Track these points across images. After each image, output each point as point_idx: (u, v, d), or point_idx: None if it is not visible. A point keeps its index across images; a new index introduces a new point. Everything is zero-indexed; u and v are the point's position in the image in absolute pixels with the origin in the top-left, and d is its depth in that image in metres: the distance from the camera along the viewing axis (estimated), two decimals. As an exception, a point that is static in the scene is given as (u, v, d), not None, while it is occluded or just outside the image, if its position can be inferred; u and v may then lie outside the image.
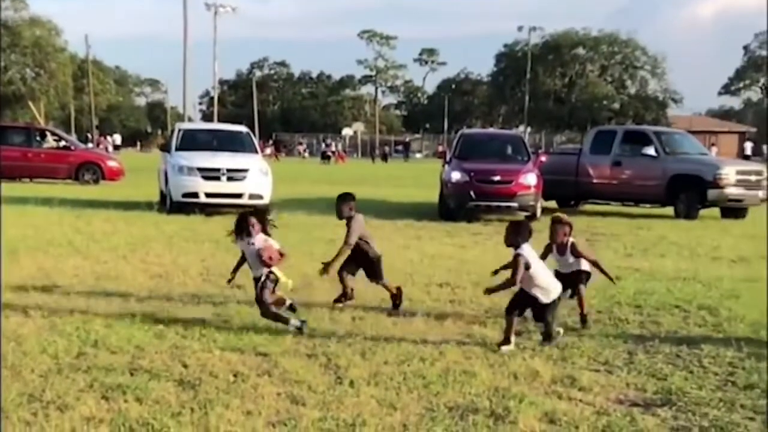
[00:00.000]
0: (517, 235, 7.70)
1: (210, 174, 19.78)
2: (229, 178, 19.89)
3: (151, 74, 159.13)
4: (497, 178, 20.14)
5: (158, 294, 9.68)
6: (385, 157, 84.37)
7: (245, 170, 20.07)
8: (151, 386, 6.15)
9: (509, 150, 22.69)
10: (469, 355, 7.31)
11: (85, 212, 19.04)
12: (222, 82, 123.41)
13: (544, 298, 7.62)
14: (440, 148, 73.30)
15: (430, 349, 7.41)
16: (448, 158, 22.24)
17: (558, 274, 8.36)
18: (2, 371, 6.42)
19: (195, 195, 19.65)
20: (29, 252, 12.51)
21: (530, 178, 20.23)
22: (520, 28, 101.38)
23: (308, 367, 6.80)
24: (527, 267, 7.53)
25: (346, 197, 9.42)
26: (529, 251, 7.66)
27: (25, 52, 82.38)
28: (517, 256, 7.57)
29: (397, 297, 9.31)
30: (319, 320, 8.50)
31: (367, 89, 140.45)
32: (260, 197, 19.76)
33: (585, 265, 8.69)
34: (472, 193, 19.91)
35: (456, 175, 20.45)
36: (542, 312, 7.67)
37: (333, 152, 78.30)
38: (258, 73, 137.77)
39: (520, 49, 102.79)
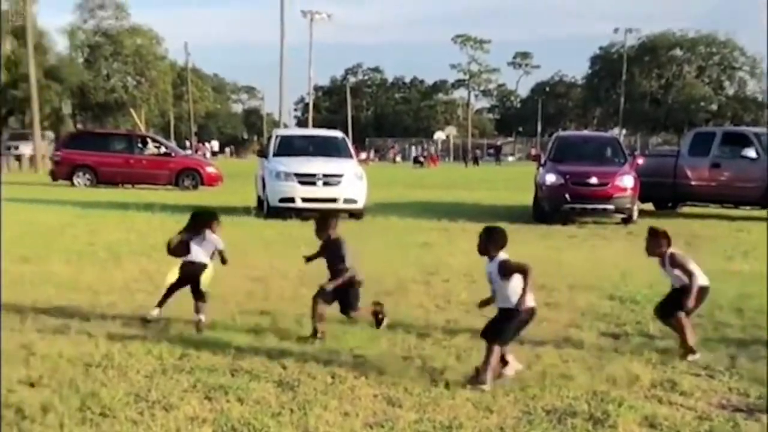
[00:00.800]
0: (488, 243, 6.80)
1: (306, 179, 20.03)
2: (325, 183, 20.09)
3: (247, 81, 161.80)
4: (593, 180, 19.94)
5: (257, 297, 9.85)
6: (476, 161, 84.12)
7: (340, 175, 20.24)
8: (251, 387, 6.27)
9: (605, 152, 22.46)
10: (565, 358, 7.26)
11: (185, 218, 19.31)
12: (317, 89, 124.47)
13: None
14: (533, 151, 72.74)
15: (527, 352, 7.38)
16: (542, 161, 22.10)
17: (674, 290, 7.71)
18: (108, 372, 6.61)
19: (291, 200, 19.92)
20: (132, 256, 12.84)
21: (627, 180, 19.98)
22: (615, 30, 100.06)
23: (404, 369, 6.84)
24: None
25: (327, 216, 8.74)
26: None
27: (126, 60, 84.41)
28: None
29: (379, 314, 8.46)
30: (413, 322, 8.54)
31: (459, 93, 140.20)
32: (354, 201, 19.93)
33: (700, 279, 7.58)
34: (567, 195, 19.75)
35: (551, 178, 20.31)
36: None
37: (425, 156, 78.35)
38: (352, 79, 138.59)
39: (616, 50, 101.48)
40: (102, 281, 10.68)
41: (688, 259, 7.63)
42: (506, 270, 6.59)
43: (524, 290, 6.49)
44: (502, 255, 6.71)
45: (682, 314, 7.45)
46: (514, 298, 6.50)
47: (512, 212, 22.48)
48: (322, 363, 6.96)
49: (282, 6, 62.80)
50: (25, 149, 55.54)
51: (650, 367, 7.04)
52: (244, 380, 6.44)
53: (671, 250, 7.68)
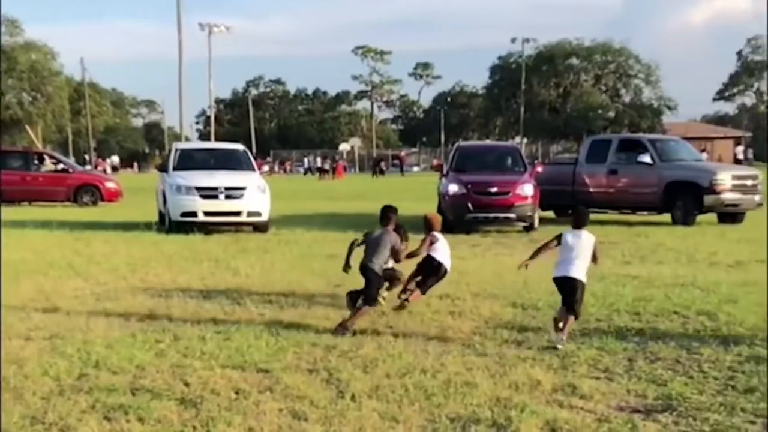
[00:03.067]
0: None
1: (208, 193, 19.78)
2: (227, 197, 19.89)
3: (147, 95, 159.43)
4: (494, 189, 20.18)
5: (159, 313, 9.69)
6: (382, 172, 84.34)
7: (243, 188, 20.07)
8: (153, 406, 6.17)
9: (505, 161, 22.75)
10: (470, 366, 7.33)
11: (84, 234, 19.07)
12: (218, 101, 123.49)
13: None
14: (435, 162, 73.28)
15: (431, 361, 7.44)
16: (444, 171, 22.29)
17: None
18: (2, 394, 6.45)
19: (194, 214, 19.64)
20: (29, 275, 12.52)
21: (527, 189, 20.27)
22: (513, 40, 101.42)
23: (310, 382, 6.83)
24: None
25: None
26: None
27: (21, 76, 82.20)
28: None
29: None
30: (320, 335, 8.52)
31: (363, 104, 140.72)
32: (259, 214, 19.79)
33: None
34: (469, 205, 19.94)
35: (453, 188, 20.49)
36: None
37: (325, 170, 78.09)
38: (254, 91, 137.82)
39: (514, 60, 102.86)
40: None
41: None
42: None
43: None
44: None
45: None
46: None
47: (417, 222, 22.55)
48: (226, 379, 6.90)
49: (179, 19, 62.03)
50: None
51: (551, 372, 7.15)
52: (145, 399, 6.34)
53: None
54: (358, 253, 9.60)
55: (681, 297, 10.59)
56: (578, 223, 8.62)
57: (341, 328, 8.62)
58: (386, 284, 9.94)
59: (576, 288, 8.28)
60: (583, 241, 8.40)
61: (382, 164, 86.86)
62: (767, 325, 8.75)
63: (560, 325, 8.18)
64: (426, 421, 5.90)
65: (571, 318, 8.27)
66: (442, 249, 10.25)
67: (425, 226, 10.54)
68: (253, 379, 6.94)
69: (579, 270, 8.31)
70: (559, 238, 8.56)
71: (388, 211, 9.75)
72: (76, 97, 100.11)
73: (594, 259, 8.46)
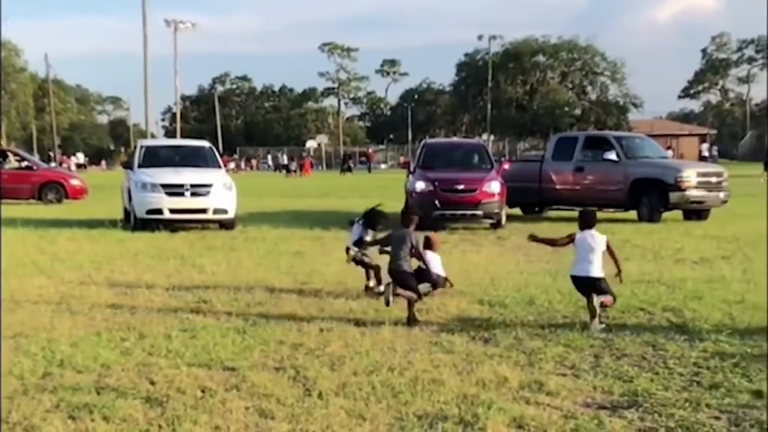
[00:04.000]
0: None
1: (173, 190, 19.66)
2: (193, 194, 19.78)
3: (112, 92, 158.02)
4: (461, 186, 20.20)
5: (124, 312, 9.62)
6: (350, 169, 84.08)
7: (209, 185, 19.97)
8: (118, 404, 6.11)
9: (472, 159, 22.77)
10: (437, 363, 7.33)
11: (49, 232, 18.89)
12: (184, 98, 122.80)
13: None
14: (402, 159, 73.23)
15: (399, 359, 7.44)
16: (412, 168, 22.29)
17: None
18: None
19: (159, 211, 19.53)
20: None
21: (494, 186, 20.30)
22: (480, 37, 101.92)
23: (276, 380, 6.80)
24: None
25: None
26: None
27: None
28: None
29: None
30: (286, 332, 8.49)
31: (329, 101, 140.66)
32: (225, 212, 19.71)
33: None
34: (436, 202, 19.95)
35: (420, 185, 20.49)
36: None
37: (292, 168, 77.75)
38: (220, 88, 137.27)
39: (481, 57, 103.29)
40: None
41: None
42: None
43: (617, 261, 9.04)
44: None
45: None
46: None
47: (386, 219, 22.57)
48: (192, 377, 6.86)
49: (144, 15, 61.76)
50: None
51: (518, 369, 7.17)
52: (110, 398, 6.28)
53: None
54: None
55: (647, 294, 10.66)
56: (589, 224, 9.22)
57: (413, 321, 8.98)
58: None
59: (600, 284, 8.91)
60: (597, 241, 9.02)
61: (351, 161, 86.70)
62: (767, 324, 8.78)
63: (599, 311, 8.70)
64: (393, 418, 5.90)
65: (611, 298, 8.94)
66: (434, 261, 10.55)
67: (424, 244, 10.67)
68: (220, 377, 6.90)
69: (598, 268, 8.95)
70: (571, 237, 9.19)
71: (409, 214, 10.29)
72: (41, 94, 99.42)
73: (612, 254, 9.07)
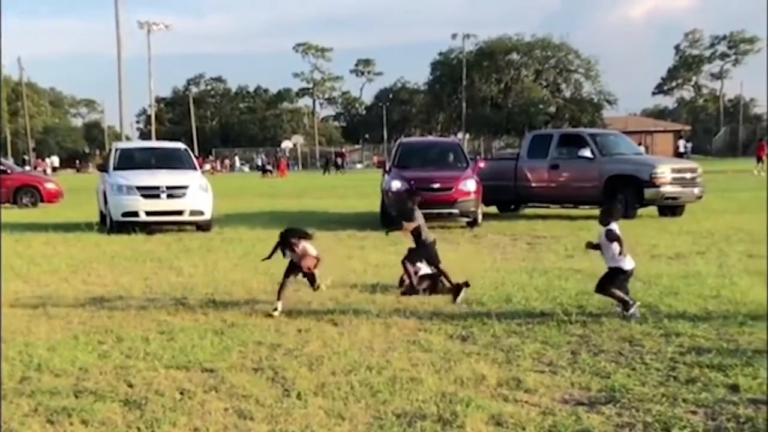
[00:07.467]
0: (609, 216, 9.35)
1: (149, 192, 19.60)
2: (169, 196, 19.71)
3: (86, 94, 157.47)
4: (437, 185, 20.23)
5: (101, 315, 9.59)
6: (337, 167, 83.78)
7: (185, 187, 19.92)
8: (96, 408, 6.10)
9: (448, 157, 22.81)
10: (415, 362, 7.35)
11: (25, 235, 18.79)
12: (159, 100, 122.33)
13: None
14: (375, 159, 73.12)
15: (377, 358, 7.45)
16: (387, 167, 22.30)
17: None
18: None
19: (135, 214, 19.45)
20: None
21: (470, 185, 20.34)
22: (454, 36, 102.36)
23: (255, 381, 6.80)
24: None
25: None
26: None
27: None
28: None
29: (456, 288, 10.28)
30: (264, 333, 8.49)
31: (304, 102, 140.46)
32: (201, 213, 19.66)
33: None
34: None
35: (396, 184, 20.49)
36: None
37: (269, 169, 77.57)
38: (195, 90, 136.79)
39: (455, 56, 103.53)
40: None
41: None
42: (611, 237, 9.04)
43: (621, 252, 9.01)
44: (613, 225, 9.08)
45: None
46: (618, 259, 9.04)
47: (361, 219, 22.63)
48: (171, 379, 6.85)
49: (117, 17, 61.43)
50: None
51: (496, 366, 7.20)
52: (88, 401, 6.26)
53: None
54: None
55: (623, 289, 10.70)
56: (612, 219, 9.25)
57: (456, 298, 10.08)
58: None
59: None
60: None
61: (338, 160, 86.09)
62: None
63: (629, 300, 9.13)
64: (372, 418, 5.91)
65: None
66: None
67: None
68: (198, 378, 6.89)
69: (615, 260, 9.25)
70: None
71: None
72: (14, 97, 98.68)
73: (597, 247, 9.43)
